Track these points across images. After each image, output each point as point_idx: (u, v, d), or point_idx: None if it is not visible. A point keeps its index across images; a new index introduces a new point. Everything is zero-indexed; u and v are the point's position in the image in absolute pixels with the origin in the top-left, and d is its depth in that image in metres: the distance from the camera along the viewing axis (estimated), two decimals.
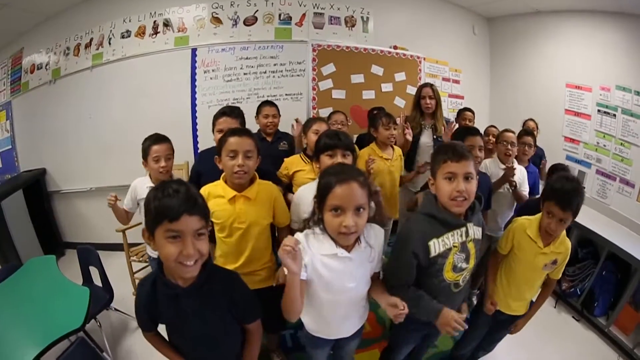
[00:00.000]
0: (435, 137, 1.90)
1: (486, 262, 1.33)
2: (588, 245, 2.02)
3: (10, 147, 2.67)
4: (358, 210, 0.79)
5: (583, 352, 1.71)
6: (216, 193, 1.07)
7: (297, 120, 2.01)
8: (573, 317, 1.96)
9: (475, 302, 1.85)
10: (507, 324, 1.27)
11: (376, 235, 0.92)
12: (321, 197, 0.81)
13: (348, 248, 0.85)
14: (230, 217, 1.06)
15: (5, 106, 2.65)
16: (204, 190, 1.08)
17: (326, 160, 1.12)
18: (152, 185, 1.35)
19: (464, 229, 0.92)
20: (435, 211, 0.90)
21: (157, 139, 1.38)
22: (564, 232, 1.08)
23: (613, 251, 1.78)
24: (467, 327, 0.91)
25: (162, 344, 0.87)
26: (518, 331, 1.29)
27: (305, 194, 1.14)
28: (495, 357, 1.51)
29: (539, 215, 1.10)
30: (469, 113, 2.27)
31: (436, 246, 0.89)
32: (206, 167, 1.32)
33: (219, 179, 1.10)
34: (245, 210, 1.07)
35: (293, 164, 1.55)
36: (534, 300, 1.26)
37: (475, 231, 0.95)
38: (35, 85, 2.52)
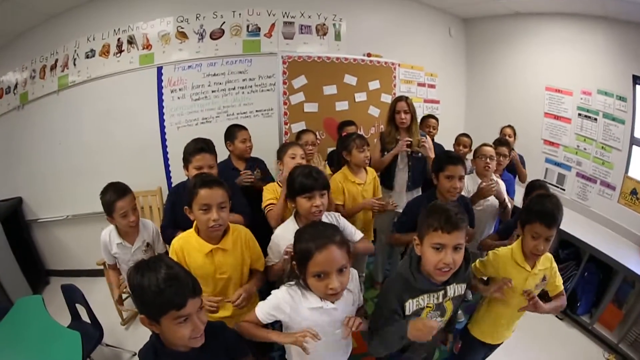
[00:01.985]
0: (410, 152, 1.87)
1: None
2: (569, 245, 2.02)
3: None
4: (341, 270, 0.80)
5: (568, 350, 1.73)
6: (191, 246, 1.06)
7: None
8: (556, 316, 1.99)
9: (470, 296, 1.85)
10: (496, 346, 1.26)
11: (352, 279, 0.93)
12: (301, 262, 0.82)
13: (331, 300, 0.87)
14: (210, 271, 1.05)
15: None
16: (177, 244, 1.06)
17: (304, 203, 1.10)
18: (121, 241, 1.36)
19: (441, 292, 0.92)
20: (412, 279, 0.89)
21: (119, 192, 1.28)
22: None
23: (595, 255, 1.80)
24: (439, 326, 0.90)
25: None
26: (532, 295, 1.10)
27: (283, 235, 1.15)
28: None
29: (517, 241, 1.09)
30: (466, 139, 2.26)
31: (411, 306, 0.91)
32: (180, 206, 1.24)
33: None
34: (224, 262, 1.06)
35: (275, 192, 1.47)
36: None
37: (456, 289, 0.94)
38: (5, 111, 2.45)
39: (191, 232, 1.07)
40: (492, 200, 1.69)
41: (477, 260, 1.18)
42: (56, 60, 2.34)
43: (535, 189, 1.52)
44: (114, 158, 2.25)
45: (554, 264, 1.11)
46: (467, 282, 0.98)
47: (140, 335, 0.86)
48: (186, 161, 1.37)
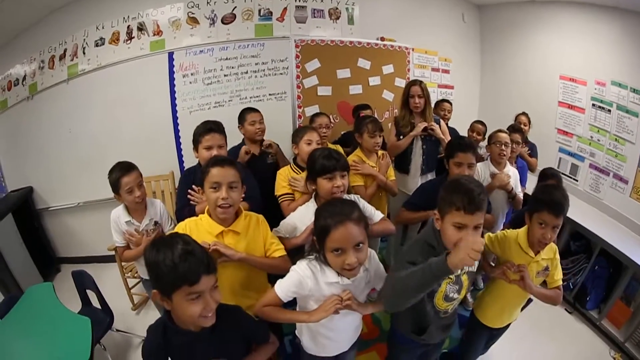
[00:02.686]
0: (423, 136, 1.84)
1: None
2: (580, 238, 2.00)
3: None
4: (358, 246, 0.81)
5: (575, 345, 1.72)
6: (201, 228, 1.02)
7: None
8: (566, 309, 1.98)
9: (481, 284, 1.84)
10: (501, 331, 1.27)
11: (370, 258, 0.94)
12: (320, 238, 0.84)
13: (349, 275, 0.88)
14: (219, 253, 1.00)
15: None
16: (185, 225, 1.03)
17: (325, 184, 1.10)
18: (130, 219, 1.34)
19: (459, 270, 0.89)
20: (435, 244, 0.88)
21: (125, 168, 1.30)
22: None
23: (606, 248, 1.77)
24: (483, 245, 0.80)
25: None
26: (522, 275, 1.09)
27: (304, 215, 1.14)
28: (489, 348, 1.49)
29: (524, 227, 1.10)
30: (480, 127, 2.26)
31: None
32: (195, 183, 1.24)
33: None
34: (235, 246, 1.01)
35: (287, 177, 1.45)
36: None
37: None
38: (14, 103, 2.43)
39: (204, 215, 1.05)
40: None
41: (486, 235, 1.17)
42: (65, 50, 2.31)
43: (548, 177, 1.52)
44: (125, 144, 2.21)
45: (557, 256, 1.11)
46: (479, 261, 0.95)
47: (150, 320, 0.82)
48: (196, 142, 1.35)
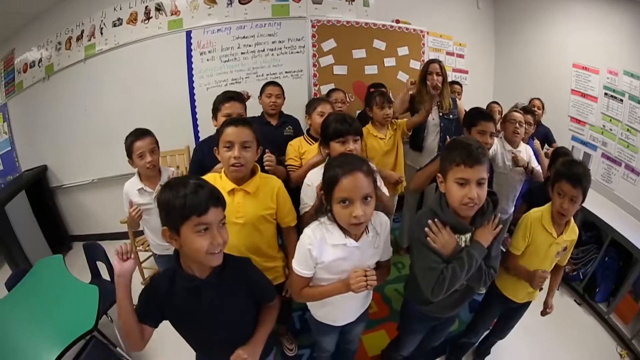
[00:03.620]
0: (441, 114, 1.84)
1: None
2: (592, 228, 1.98)
3: (9, 148, 2.63)
4: (365, 199, 0.80)
5: (583, 338, 1.70)
6: (218, 184, 1.01)
7: None
8: (575, 300, 1.93)
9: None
10: (520, 310, 1.27)
11: (382, 223, 0.93)
12: (328, 189, 0.82)
13: (356, 237, 0.87)
14: (228, 211, 0.99)
15: (2, 109, 2.61)
16: (206, 178, 1.02)
17: (337, 147, 1.09)
18: (142, 186, 1.32)
19: (468, 235, 0.89)
20: (440, 213, 0.87)
21: (138, 134, 1.31)
22: (573, 219, 1.11)
23: (616, 238, 1.74)
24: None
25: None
26: (551, 310, 1.25)
27: (316, 178, 1.12)
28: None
29: (547, 205, 1.11)
30: (496, 106, 2.26)
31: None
32: (209, 158, 1.23)
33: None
34: (243, 205, 1.01)
35: (299, 147, 1.48)
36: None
37: None
38: (30, 84, 2.46)
39: (221, 173, 1.04)
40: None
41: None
42: (82, 32, 2.34)
43: (560, 155, 1.52)
44: (142, 120, 2.13)
45: (576, 238, 1.14)
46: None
47: None
48: (215, 110, 1.34)
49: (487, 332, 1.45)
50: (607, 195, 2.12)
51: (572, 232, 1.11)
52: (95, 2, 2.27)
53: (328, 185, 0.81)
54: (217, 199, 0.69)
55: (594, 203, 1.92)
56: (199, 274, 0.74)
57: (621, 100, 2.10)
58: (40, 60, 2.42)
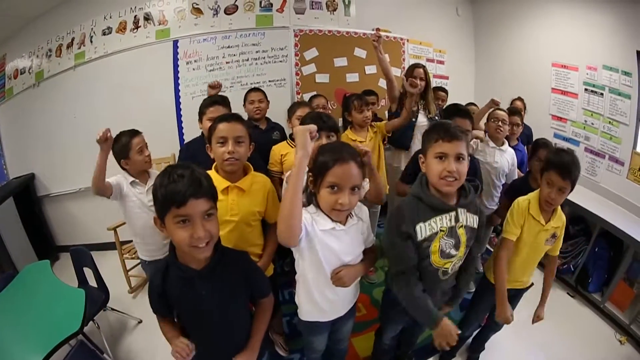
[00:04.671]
0: (429, 117, 1.88)
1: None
2: (580, 222, 2.03)
3: None
4: (353, 189, 0.82)
5: (580, 329, 1.70)
6: None
7: None
8: (568, 293, 1.95)
9: (481, 267, 1.81)
10: (512, 299, 1.23)
11: (363, 211, 0.96)
12: (318, 173, 0.82)
13: (342, 222, 0.88)
14: (222, 208, 0.99)
15: None
16: None
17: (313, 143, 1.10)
18: (135, 179, 1.34)
19: (452, 214, 0.89)
20: (422, 194, 0.89)
21: (132, 132, 1.35)
22: (559, 206, 1.10)
23: (605, 228, 1.78)
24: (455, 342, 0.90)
25: (172, 327, 0.83)
26: (541, 319, 1.24)
27: None
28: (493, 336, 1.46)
29: (535, 192, 1.12)
30: (474, 107, 2.29)
31: (422, 230, 0.88)
32: (196, 158, 1.25)
33: (209, 169, 1.05)
34: (237, 202, 1.03)
35: (280, 151, 1.53)
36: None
37: (468, 218, 0.92)
38: (20, 90, 2.49)
39: (211, 171, 1.04)
40: (501, 163, 1.71)
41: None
42: (72, 39, 2.39)
43: (540, 147, 1.53)
44: (129, 127, 2.24)
45: (564, 227, 1.14)
46: (480, 218, 0.94)
47: (147, 305, 0.81)
48: (201, 114, 1.41)
49: (481, 327, 1.43)
50: (592, 188, 2.17)
51: (559, 219, 1.11)
52: (86, 11, 2.33)
53: (319, 169, 0.82)
54: (197, 189, 0.65)
55: (581, 196, 1.93)
56: (195, 265, 0.73)
57: (601, 94, 2.17)
58: (31, 66, 2.46)
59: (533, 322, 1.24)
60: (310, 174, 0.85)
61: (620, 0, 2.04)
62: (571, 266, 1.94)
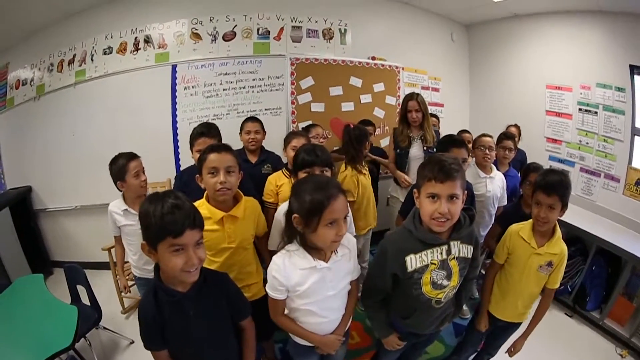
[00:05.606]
0: (425, 148, 1.90)
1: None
2: (576, 242, 2.00)
3: None
4: (345, 218, 0.85)
5: (579, 346, 1.70)
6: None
7: None
8: (566, 313, 1.94)
9: (476, 294, 1.88)
10: (507, 329, 1.26)
11: (349, 240, 0.97)
12: (314, 213, 0.80)
13: (325, 259, 0.89)
14: (220, 239, 1.05)
15: None
16: None
17: None
18: (126, 207, 1.37)
19: (444, 247, 0.90)
20: (414, 229, 0.90)
21: (129, 155, 1.36)
22: (559, 233, 1.09)
23: (601, 246, 1.79)
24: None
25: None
26: (517, 352, 1.23)
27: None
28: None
29: (529, 220, 1.13)
30: (467, 135, 2.26)
31: (412, 262, 0.89)
32: (188, 187, 1.32)
33: (199, 199, 1.07)
34: (234, 230, 1.06)
35: (276, 181, 1.55)
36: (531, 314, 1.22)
37: (461, 249, 0.93)
38: (21, 102, 2.54)
39: (201, 201, 1.05)
40: (493, 190, 1.69)
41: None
42: (74, 55, 2.43)
43: (531, 171, 1.53)
44: (127, 150, 2.24)
45: (565, 258, 1.10)
46: (474, 245, 0.95)
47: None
48: (191, 144, 1.45)
49: (477, 352, 1.43)
50: (589, 207, 2.20)
51: (556, 246, 1.07)
52: (88, 27, 2.37)
53: (315, 211, 0.80)
54: (193, 221, 0.70)
55: (577, 216, 1.94)
56: (181, 288, 0.76)
57: (595, 112, 2.20)
58: (33, 79, 2.51)
59: (509, 353, 1.24)
60: (297, 215, 0.84)
61: (610, 15, 2.06)
62: (568, 287, 1.94)
